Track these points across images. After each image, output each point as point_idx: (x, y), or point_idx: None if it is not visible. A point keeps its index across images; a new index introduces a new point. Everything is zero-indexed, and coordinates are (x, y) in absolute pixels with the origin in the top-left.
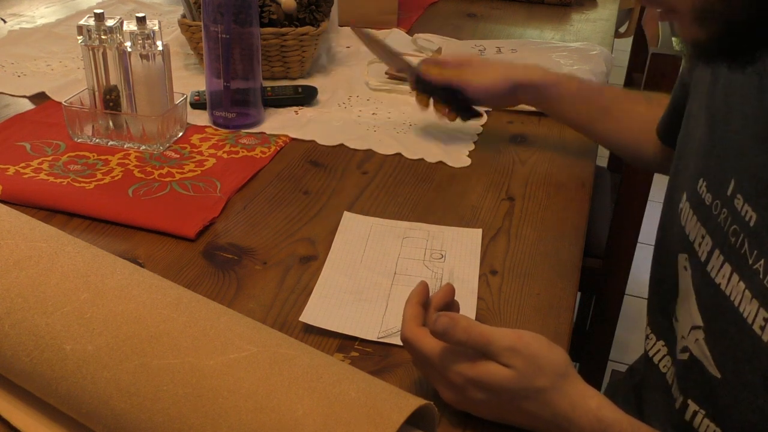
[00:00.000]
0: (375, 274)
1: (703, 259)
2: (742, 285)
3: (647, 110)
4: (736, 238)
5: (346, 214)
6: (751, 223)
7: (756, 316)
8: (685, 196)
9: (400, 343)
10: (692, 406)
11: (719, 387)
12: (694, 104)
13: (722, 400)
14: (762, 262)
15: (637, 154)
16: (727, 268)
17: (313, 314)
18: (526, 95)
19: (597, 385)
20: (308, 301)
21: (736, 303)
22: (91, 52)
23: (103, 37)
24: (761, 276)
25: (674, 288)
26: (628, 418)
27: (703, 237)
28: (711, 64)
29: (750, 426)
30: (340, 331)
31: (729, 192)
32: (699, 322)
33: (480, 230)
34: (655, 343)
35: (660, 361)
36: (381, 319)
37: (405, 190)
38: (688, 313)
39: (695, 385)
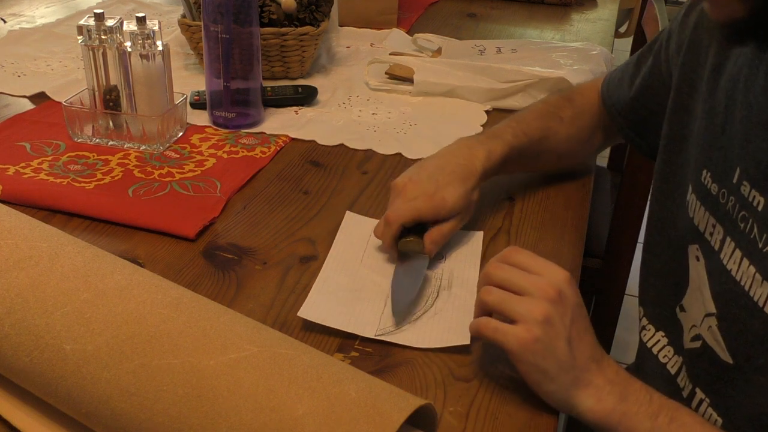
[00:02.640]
0: (375, 273)
1: (716, 247)
2: (752, 269)
3: (567, 129)
4: (745, 223)
5: (348, 214)
6: (759, 208)
7: (767, 298)
8: (690, 188)
9: (399, 342)
10: (699, 395)
11: (731, 373)
12: (687, 99)
13: (732, 386)
14: None
15: (573, 161)
16: (738, 253)
17: (311, 310)
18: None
19: None
20: (307, 297)
21: (746, 288)
22: (91, 52)
23: (103, 37)
24: None
25: (682, 279)
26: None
27: (714, 226)
28: (742, 44)
29: (759, 410)
30: (337, 327)
31: (735, 180)
32: (712, 309)
33: (481, 232)
34: (654, 334)
35: (660, 351)
36: (379, 318)
37: None
38: (701, 302)
39: (705, 373)
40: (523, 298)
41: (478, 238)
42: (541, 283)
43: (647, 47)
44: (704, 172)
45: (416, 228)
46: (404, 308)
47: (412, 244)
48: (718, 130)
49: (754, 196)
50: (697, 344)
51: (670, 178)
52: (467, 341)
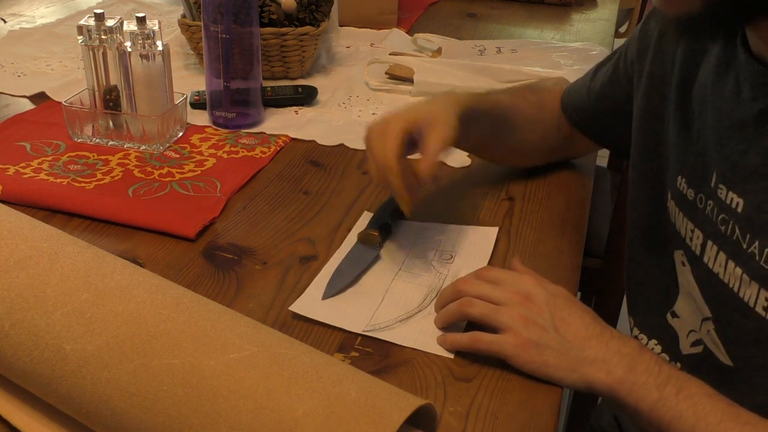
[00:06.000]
0: (379, 268)
1: (698, 252)
2: (738, 270)
3: (531, 110)
4: (726, 226)
5: (366, 214)
6: (739, 209)
7: (757, 298)
8: (669, 195)
9: (393, 341)
10: None
11: (732, 375)
12: (658, 107)
13: (734, 388)
14: (756, 244)
15: (534, 157)
16: (722, 256)
17: (304, 304)
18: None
19: None
20: (305, 291)
21: (735, 289)
22: (91, 52)
23: (103, 37)
24: (758, 258)
25: (671, 285)
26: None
27: (692, 231)
28: (699, 39)
29: (759, 410)
30: (326, 322)
31: (712, 184)
32: (708, 313)
33: (496, 228)
34: (647, 343)
35: None
36: (372, 314)
37: None
38: (695, 307)
39: (708, 376)
40: (500, 308)
41: (492, 234)
42: (509, 292)
43: (606, 58)
44: (679, 178)
45: (383, 226)
46: (333, 292)
47: (371, 238)
48: (694, 137)
49: (732, 198)
50: (699, 349)
51: (647, 185)
52: (451, 355)
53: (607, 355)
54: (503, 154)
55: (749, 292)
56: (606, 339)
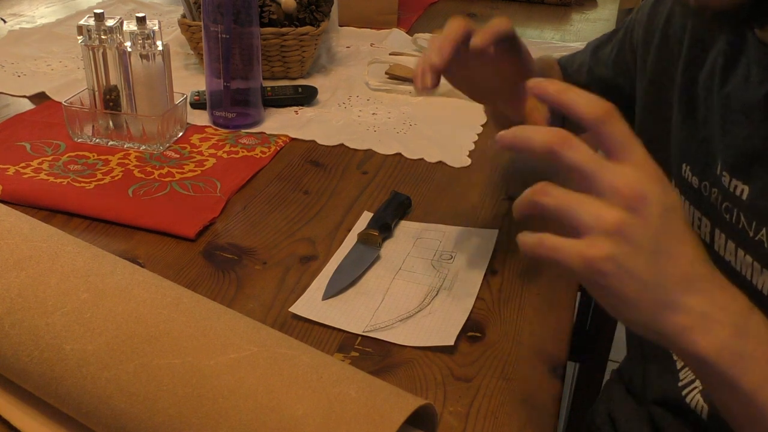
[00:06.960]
0: (379, 268)
1: (707, 240)
2: (748, 258)
3: (542, 71)
4: (730, 214)
5: (366, 214)
6: (744, 196)
7: None
8: (674, 183)
9: (386, 339)
10: (696, 383)
11: None
12: (666, 93)
13: None
14: (764, 231)
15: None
16: (731, 244)
17: (304, 306)
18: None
19: (597, 384)
20: (305, 291)
21: (748, 276)
22: (91, 52)
23: (103, 37)
24: (766, 245)
25: None
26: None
27: (700, 219)
28: (733, 32)
29: None
30: (326, 323)
31: (717, 171)
32: None
33: (496, 231)
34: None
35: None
36: (372, 314)
37: (405, 190)
38: None
39: None
40: (591, 201)
41: (492, 237)
42: (619, 180)
43: (605, 37)
44: (684, 166)
45: (383, 226)
46: (334, 292)
47: (371, 238)
48: (699, 123)
49: (736, 185)
50: None
51: None
52: (451, 342)
53: (710, 310)
54: (502, 87)
55: (762, 280)
56: (711, 287)
